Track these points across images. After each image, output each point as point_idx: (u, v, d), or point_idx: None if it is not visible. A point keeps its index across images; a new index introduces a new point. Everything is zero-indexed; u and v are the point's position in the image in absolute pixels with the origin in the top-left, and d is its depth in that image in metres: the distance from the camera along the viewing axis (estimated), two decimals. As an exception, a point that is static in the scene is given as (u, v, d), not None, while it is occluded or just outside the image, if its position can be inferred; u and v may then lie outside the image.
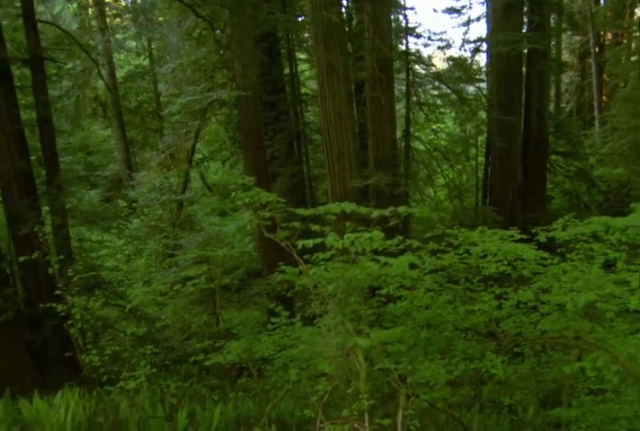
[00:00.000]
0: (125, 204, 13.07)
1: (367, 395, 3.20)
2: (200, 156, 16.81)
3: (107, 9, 20.43)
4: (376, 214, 3.27)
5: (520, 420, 6.21)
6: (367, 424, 3.12)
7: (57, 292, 4.63)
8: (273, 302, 11.61)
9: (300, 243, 3.13)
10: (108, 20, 19.23)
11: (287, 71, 15.86)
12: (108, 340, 5.83)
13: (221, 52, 13.89)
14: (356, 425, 3.38)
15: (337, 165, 9.97)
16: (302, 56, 18.77)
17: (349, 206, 3.17)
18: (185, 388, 6.82)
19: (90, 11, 18.57)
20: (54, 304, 4.73)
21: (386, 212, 3.29)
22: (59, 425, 4.09)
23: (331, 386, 4.07)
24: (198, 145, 15.02)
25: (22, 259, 5.50)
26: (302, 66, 18.48)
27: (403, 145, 12.14)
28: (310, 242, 3.05)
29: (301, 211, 3.46)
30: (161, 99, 17.77)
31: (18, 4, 9.07)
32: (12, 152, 8.34)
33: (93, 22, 18.06)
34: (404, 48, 12.99)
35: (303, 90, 16.32)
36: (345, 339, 3.59)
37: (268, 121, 14.02)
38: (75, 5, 18.28)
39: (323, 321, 5.87)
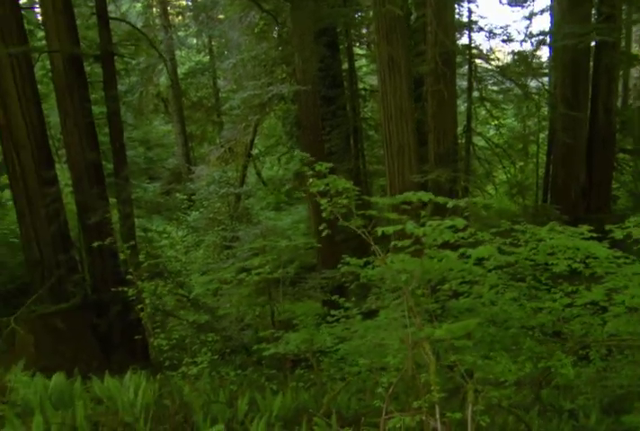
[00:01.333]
0: (184, 196, 13.40)
1: (438, 387, 3.15)
2: (256, 151, 17.03)
3: (170, 8, 20.98)
4: (451, 204, 3.21)
5: (581, 426, 5.98)
6: (438, 416, 3.08)
7: (129, 277, 4.77)
8: (327, 295, 11.66)
9: (380, 230, 3.10)
10: (170, 18, 19.73)
11: (345, 66, 15.85)
12: (173, 326, 5.99)
13: (280, 48, 14.04)
14: (425, 417, 3.33)
15: (397, 160, 9.88)
16: (360, 51, 18.71)
17: (426, 196, 3.13)
18: (244, 376, 6.92)
19: (154, 10, 19.13)
20: (125, 288, 4.86)
21: (462, 202, 3.22)
22: (130, 403, 4.23)
23: (397, 378, 4.04)
24: (255, 140, 15.23)
25: (96, 244, 5.71)
26: (359, 62, 18.41)
27: (463, 140, 11.91)
28: (390, 229, 3.02)
29: (376, 199, 3.44)
30: (220, 94, 18.11)
31: (91, 4, 9.46)
32: (83, 144, 8.70)
33: (157, 21, 18.59)
34: (464, 41, 12.73)
35: (360, 85, 16.26)
36: (414, 332, 3.54)
37: (325, 116, 14.04)
38: (140, 4, 18.90)
39: (385, 313, 5.84)
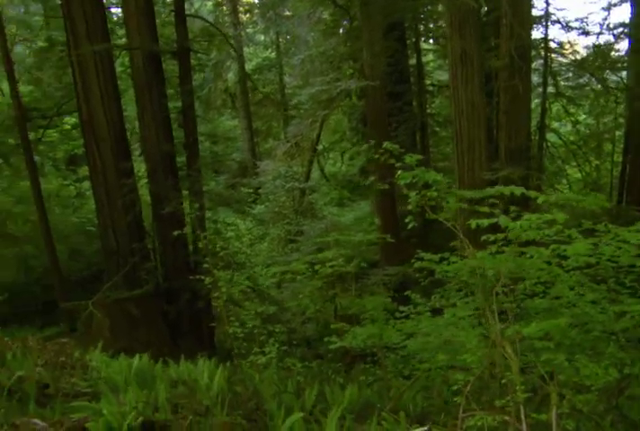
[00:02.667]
0: (251, 190, 13.63)
1: (522, 387, 3.05)
2: (320, 147, 17.10)
3: (238, 5, 21.36)
4: (542, 199, 3.10)
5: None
6: (523, 417, 2.98)
7: (205, 265, 4.90)
8: (390, 292, 11.59)
9: (474, 222, 3.03)
10: (240, 15, 20.09)
11: (412, 61, 15.65)
12: (243, 315, 6.11)
13: (348, 44, 14.01)
14: (507, 417, 3.24)
15: (467, 156, 9.67)
16: (427, 46, 18.41)
17: (518, 190, 3.03)
18: (310, 368, 6.98)
19: (224, 8, 19.53)
20: (202, 277, 4.99)
21: (553, 197, 3.10)
22: (207, 386, 4.35)
23: (475, 376, 3.96)
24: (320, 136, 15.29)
25: (176, 233, 5.90)
26: (426, 57, 18.12)
27: (536, 137, 11.50)
28: (485, 222, 2.95)
29: (464, 192, 3.37)
30: (285, 90, 18.30)
31: (167, 2, 9.76)
32: (159, 137, 9.01)
33: (227, 18, 18.97)
34: (536, 35, 12.27)
35: (428, 81, 16.01)
36: (496, 330, 3.45)
37: (392, 112, 13.91)
38: (210, 3, 19.36)
39: (454, 311, 5.73)
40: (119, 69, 11.95)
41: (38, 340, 6.23)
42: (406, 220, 3.67)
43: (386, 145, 3.54)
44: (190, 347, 9.27)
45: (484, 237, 3.46)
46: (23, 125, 9.67)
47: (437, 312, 6.78)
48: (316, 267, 5.57)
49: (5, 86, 14.84)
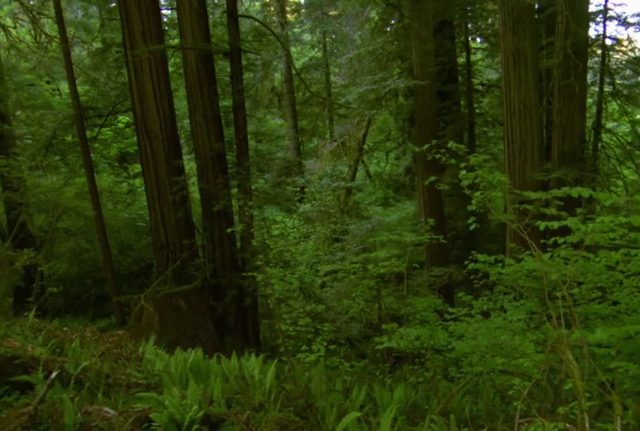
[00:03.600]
0: (297, 189, 13.71)
1: (587, 395, 2.96)
2: (365, 146, 17.04)
3: (286, 5, 21.50)
4: (609, 202, 2.99)
5: None
6: (587, 425, 2.89)
7: (258, 262, 4.94)
8: (435, 293, 11.43)
9: (542, 224, 2.97)
10: (287, 15, 20.22)
11: (460, 60, 15.42)
12: (287, 313, 6.14)
13: (396, 43, 13.91)
14: (568, 425, 3.16)
15: (518, 157, 9.45)
16: (475, 45, 18.12)
17: (586, 192, 2.94)
18: (357, 368, 6.95)
19: (272, 8, 19.70)
20: (255, 274, 5.05)
21: (622, 200, 2.99)
22: (260, 381, 4.40)
23: (532, 382, 3.87)
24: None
25: (229, 230, 5.99)
26: (475, 56, 17.83)
27: (591, 137, 11.15)
28: (555, 224, 2.88)
29: (529, 194, 3.29)
30: (331, 89, 18.32)
31: (218, 2, 9.90)
32: (210, 136, 9.16)
33: (274, 18, 19.12)
34: (595, 31, 11.90)
35: (476, 80, 15.74)
36: (555, 334, 3.36)
37: (440, 112, 13.74)
38: (259, 3, 19.55)
39: (515, 314, 5.61)
40: (170, 69, 12.25)
41: (94, 331, 6.44)
42: (469, 221, 3.61)
43: (450, 144, 3.49)
44: (235, 343, 9.40)
45: (543, 240, 3.37)
46: (81, 123, 10.00)
47: (483, 314, 6.66)
48: (369, 266, 5.55)
49: (63, 86, 15.44)
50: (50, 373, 3.06)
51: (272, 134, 17.35)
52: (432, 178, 3.72)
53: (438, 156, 3.76)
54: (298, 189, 13.78)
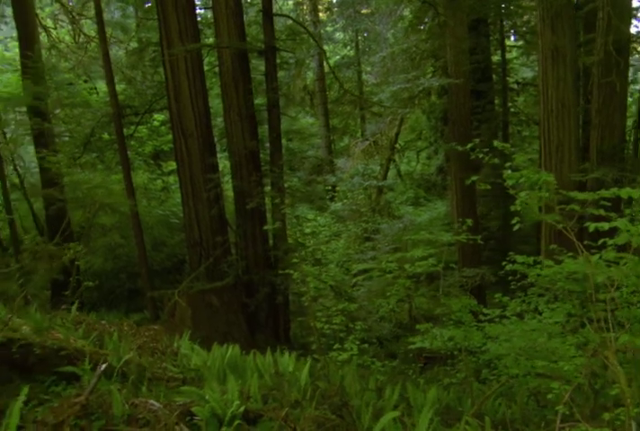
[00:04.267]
0: (329, 187, 13.73)
1: (636, 401, 2.89)
2: (397, 145, 16.95)
3: (318, 4, 21.52)
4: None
5: None
6: (634, 431, 2.83)
7: (294, 260, 4.96)
8: (466, 294, 11.30)
9: (592, 226, 2.91)
10: (319, 14, 20.25)
11: (495, 58, 15.21)
12: (319, 310, 6.15)
13: (429, 42, 13.80)
14: (613, 431, 3.09)
15: (555, 157, 9.28)
16: (510, 43, 17.84)
17: (636, 193, 2.87)
18: (389, 367, 6.93)
19: (304, 6, 19.75)
20: (291, 271, 5.07)
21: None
22: (296, 377, 4.43)
23: (573, 386, 3.80)
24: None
25: (266, 227, 6.04)
26: (509, 54, 17.55)
27: (631, 137, 10.88)
28: (606, 225, 2.82)
29: (575, 194, 3.23)
30: (363, 88, 18.28)
31: (253, 2, 9.96)
32: (244, 134, 9.24)
33: (307, 17, 19.16)
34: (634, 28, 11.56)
35: (511, 79, 15.50)
36: (592, 338, 3.29)
37: (473, 111, 13.57)
38: (291, 2, 19.62)
39: (555, 316, 5.51)
40: (204, 68, 12.39)
41: (131, 325, 6.57)
42: (512, 222, 3.56)
43: (496, 143, 3.44)
44: (266, 340, 9.47)
45: (586, 241, 3.30)
46: (119, 121, 10.20)
47: (517, 316, 6.56)
48: (406, 265, 5.51)
49: (100, 85, 15.75)
50: (96, 365, 3.14)
51: (304, 132, 17.39)
52: (474, 177, 3.67)
53: (481, 155, 3.71)
54: (330, 187, 13.78)
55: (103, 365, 2.91)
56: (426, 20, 14.58)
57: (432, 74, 12.79)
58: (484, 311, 6.43)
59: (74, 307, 5.19)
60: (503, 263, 5.02)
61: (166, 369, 4.85)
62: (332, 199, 13.84)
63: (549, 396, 4.15)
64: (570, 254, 3.79)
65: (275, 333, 9.70)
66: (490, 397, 5.76)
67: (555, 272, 4.23)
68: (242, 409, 2.98)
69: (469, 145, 3.83)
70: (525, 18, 15.61)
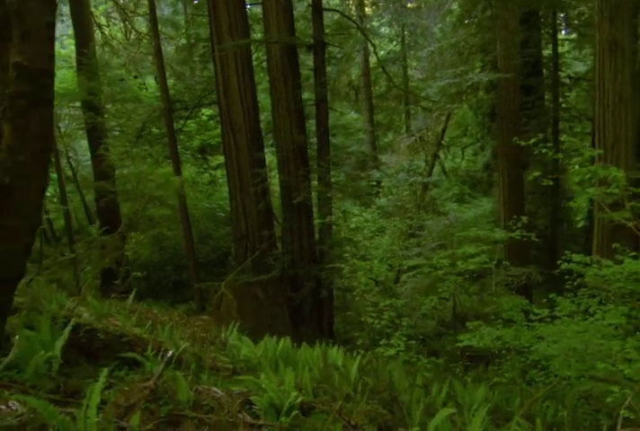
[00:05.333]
0: (374, 183, 13.69)
1: None
2: (443, 141, 16.74)
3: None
4: None
5: None
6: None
7: (345, 255, 4.98)
8: (512, 293, 11.10)
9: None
10: (365, 8, 20.12)
11: (545, 52, 14.81)
12: (369, 306, 6.15)
13: (478, 36, 13.54)
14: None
15: (610, 154, 8.98)
16: (560, 36, 17.31)
17: None
18: (436, 364, 6.89)
19: (350, 1, 19.65)
20: (342, 265, 5.10)
21: None
22: (346, 371, 4.45)
23: (636, 390, 3.69)
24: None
25: (317, 221, 6.08)
26: (561, 48, 17.05)
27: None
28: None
29: (644, 191, 3.12)
30: (409, 84, 18.09)
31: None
32: (292, 128, 9.29)
33: (353, 12, 19.07)
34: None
35: (563, 73, 15.06)
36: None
37: (523, 106, 13.27)
38: (338, -4, 19.56)
39: (611, 317, 5.36)
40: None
41: (181, 315, 6.73)
42: (577, 218, 3.47)
43: (564, 138, 3.36)
44: (309, 333, 9.53)
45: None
46: (170, 116, 10.42)
47: (567, 317, 6.39)
48: (458, 262, 5.46)
49: (149, 81, 16.13)
50: (159, 351, 3.23)
51: (349, 127, 17.35)
52: (536, 173, 3.58)
53: (544, 151, 3.63)
54: (375, 183, 13.74)
55: (169, 352, 3.00)
56: (474, 13, 14.31)
57: (481, 68, 12.55)
58: (535, 310, 6.31)
59: (131, 296, 5.34)
60: (558, 262, 4.90)
61: (215, 359, 4.95)
62: (376, 195, 13.79)
63: (608, 399, 4.03)
64: (634, 253, 3.67)
65: (318, 327, 9.75)
66: (540, 398, 5.66)
67: (615, 272, 4.11)
68: (299, 399, 3.02)
69: (532, 141, 3.75)
70: (578, 10, 15.13)
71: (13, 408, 1.97)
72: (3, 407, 1.96)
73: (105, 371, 2.17)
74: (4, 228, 2.32)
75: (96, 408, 1.90)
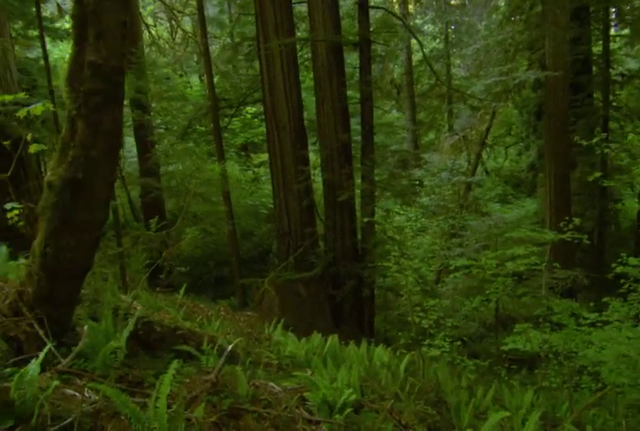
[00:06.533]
0: (416, 182, 13.58)
1: None
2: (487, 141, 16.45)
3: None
4: None
5: None
6: None
7: (394, 253, 4.96)
8: (556, 297, 10.83)
9: None
10: (409, 6, 19.96)
11: (595, 49, 14.37)
12: (399, 306, 6.11)
13: (526, 33, 13.24)
14: None
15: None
16: (613, 32, 16.76)
17: None
18: (479, 366, 6.79)
19: (394, -2, 19.53)
20: (389, 264, 5.08)
21: None
22: (394, 370, 4.44)
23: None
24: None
25: (366, 219, 6.07)
26: (613, 44, 16.50)
27: None
28: None
29: None
30: (452, 82, 17.83)
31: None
32: (336, 126, 9.30)
33: (396, 9, 18.94)
34: None
35: (614, 70, 14.58)
36: None
37: (571, 105, 12.92)
38: (381, -6, 19.44)
39: None
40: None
41: (227, 310, 6.83)
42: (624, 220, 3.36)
43: (630, 137, 3.26)
44: (350, 332, 9.52)
45: None
46: (216, 114, 10.57)
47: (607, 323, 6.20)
48: (507, 263, 5.37)
49: (194, 79, 16.41)
50: (214, 345, 3.29)
51: (391, 126, 17.25)
52: (597, 174, 3.48)
53: (606, 151, 3.52)
54: (417, 182, 13.62)
55: (229, 347, 3.05)
56: (522, 10, 14.00)
57: (528, 66, 12.27)
58: (584, 314, 6.15)
59: (181, 291, 5.45)
60: (613, 264, 4.76)
61: (260, 354, 5.01)
62: (418, 194, 13.65)
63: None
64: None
65: (359, 326, 9.75)
66: (590, 405, 5.52)
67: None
68: (353, 397, 3.02)
69: (595, 140, 3.65)
70: (632, 5, 14.62)
71: (87, 395, 2.04)
72: (77, 394, 2.03)
73: (175, 363, 2.23)
74: (77, 221, 2.40)
75: (166, 398, 1.95)
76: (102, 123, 2.35)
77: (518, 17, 13.67)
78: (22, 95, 3.68)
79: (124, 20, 2.33)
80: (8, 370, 1.87)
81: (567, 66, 11.73)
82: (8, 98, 3.40)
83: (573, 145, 13.36)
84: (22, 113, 2.79)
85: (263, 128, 11.46)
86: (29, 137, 3.08)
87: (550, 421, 5.26)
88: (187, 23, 16.62)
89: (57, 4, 12.36)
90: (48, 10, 13.44)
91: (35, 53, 13.08)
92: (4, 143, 3.34)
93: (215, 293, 13.67)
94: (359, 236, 9.60)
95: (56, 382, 1.90)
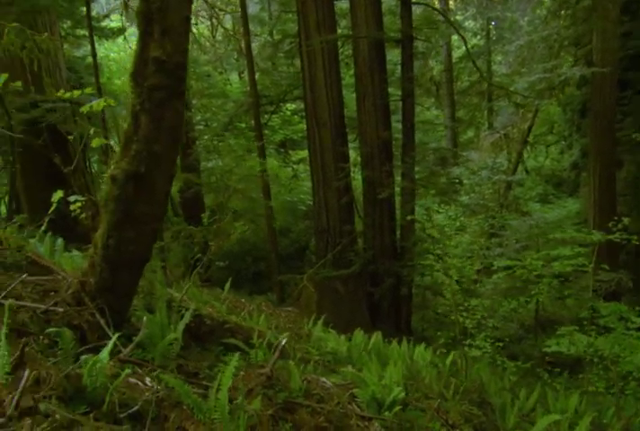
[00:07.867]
0: (456, 180, 13.40)
1: None
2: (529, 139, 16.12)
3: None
4: None
5: None
6: None
7: (437, 252, 4.91)
8: (599, 299, 10.56)
9: None
10: (450, 2, 19.68)
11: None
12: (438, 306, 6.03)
13: (572, 28, 12.90)
14: None
15: None
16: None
17: None
18: (521, 368, 6.68)
19: (435, -6, 19.27)
20: (433, 262, 5.02)
21: None
22: (438, 369, 4.40)
23: None
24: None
25: (409, 217, 6.03)
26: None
27: None
28: None
29: None
30: (493, 79, 17.53)
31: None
32: (378, 123, 9.26)
33: (437, 5, 18.70)
34: None
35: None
36: None
37: (618, 102, 12.54)
38: (421, -10, 19.20)
39: None
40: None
41: (268, 305, 6.89)
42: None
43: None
44: (387, 330, 9.48)
45: None
46: (257, 110, 10.65)
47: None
48: (554, 264, 5.26)
49: (233, 77, 16.57)
50: (263, 339, 3.32)
51: (428, 123, 17.08)
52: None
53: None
54: (456, 180, 13.44)
55: (283, 341, 3.08)
56: (568, 4, 13.65)
57: (573, 63, 11.96)
58: (633, 318, 5.98)
59: (227, 286, 5.52)
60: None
61: (301, 350, 5.03)
62: (458, 192, 13.46)
63: None
64: None
65: (396, 324, 9.70)
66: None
67: None
68: (402, 395, 3.01)
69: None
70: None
71: (149, 384, 2.09)
72: (140, 383, 2.08)
73: (237, 356, 2.26)
74: (138, 214, 2.46)
75: (227, 390, 1.98)
76: (164, 118, 2.39)
77: (564, 12, 13.34)
78: (77, 93, 3.77)
79: (188, 16, 2.37)
80: (84, 357, 1.92)
81: (616, 62, 11.38)
82: (66, 96, 3.48)
83: (619, 143, 12.99)
84: (85, 109, 2.87)
85: (302, 125, 11.50)
86: (91, 132, 3.16)
87: (597, 427, 5.14)
88: (227, 21, 16.79)
89: (124, 2, 12.55)
90: (95, 9, 13.76)
91: (82, 51, 13.42)
92: (69, 137, 3.43)
93: (251, 288, 13.79)
94: (398, 234, 9.55)
95: (127, 371, 1.95)
